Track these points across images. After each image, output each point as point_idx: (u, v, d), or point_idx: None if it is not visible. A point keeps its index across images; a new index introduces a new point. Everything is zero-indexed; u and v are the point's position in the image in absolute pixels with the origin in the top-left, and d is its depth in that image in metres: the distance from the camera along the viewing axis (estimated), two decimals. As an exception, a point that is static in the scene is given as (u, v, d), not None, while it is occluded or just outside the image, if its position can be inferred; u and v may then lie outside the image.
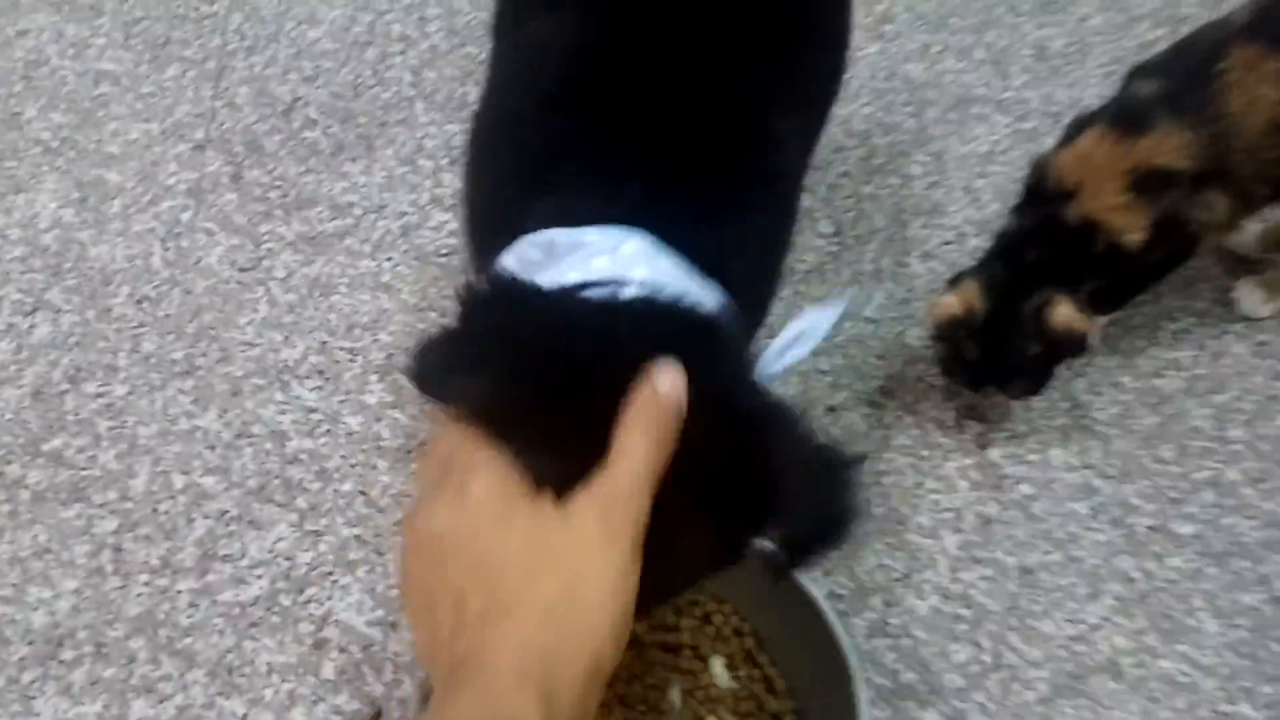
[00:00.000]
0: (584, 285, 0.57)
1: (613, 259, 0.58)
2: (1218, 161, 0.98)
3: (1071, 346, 0.98)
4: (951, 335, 1.02)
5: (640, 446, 0.49)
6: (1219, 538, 1.04)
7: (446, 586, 0.47)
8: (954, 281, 1.01)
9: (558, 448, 0.51)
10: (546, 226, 0.61)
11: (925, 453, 1.08)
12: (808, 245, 1.24)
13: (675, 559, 0.53)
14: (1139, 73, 1.03)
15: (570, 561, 0.46)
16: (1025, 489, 1.06)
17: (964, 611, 0.98)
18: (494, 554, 0.47)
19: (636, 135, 0.66)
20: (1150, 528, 1.05)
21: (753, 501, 0.55)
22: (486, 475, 0.49)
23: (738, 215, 0.70)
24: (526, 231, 0.62)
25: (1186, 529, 1.05)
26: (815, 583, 0.81)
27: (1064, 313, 0.96)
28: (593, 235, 0.60)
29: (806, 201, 1.28)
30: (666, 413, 0.50)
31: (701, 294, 0.62)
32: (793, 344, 0.68)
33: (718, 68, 0.71)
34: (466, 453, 0.50)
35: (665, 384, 0.51)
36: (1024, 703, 0.93)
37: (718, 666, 0.86)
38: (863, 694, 0.77)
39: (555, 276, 0.58)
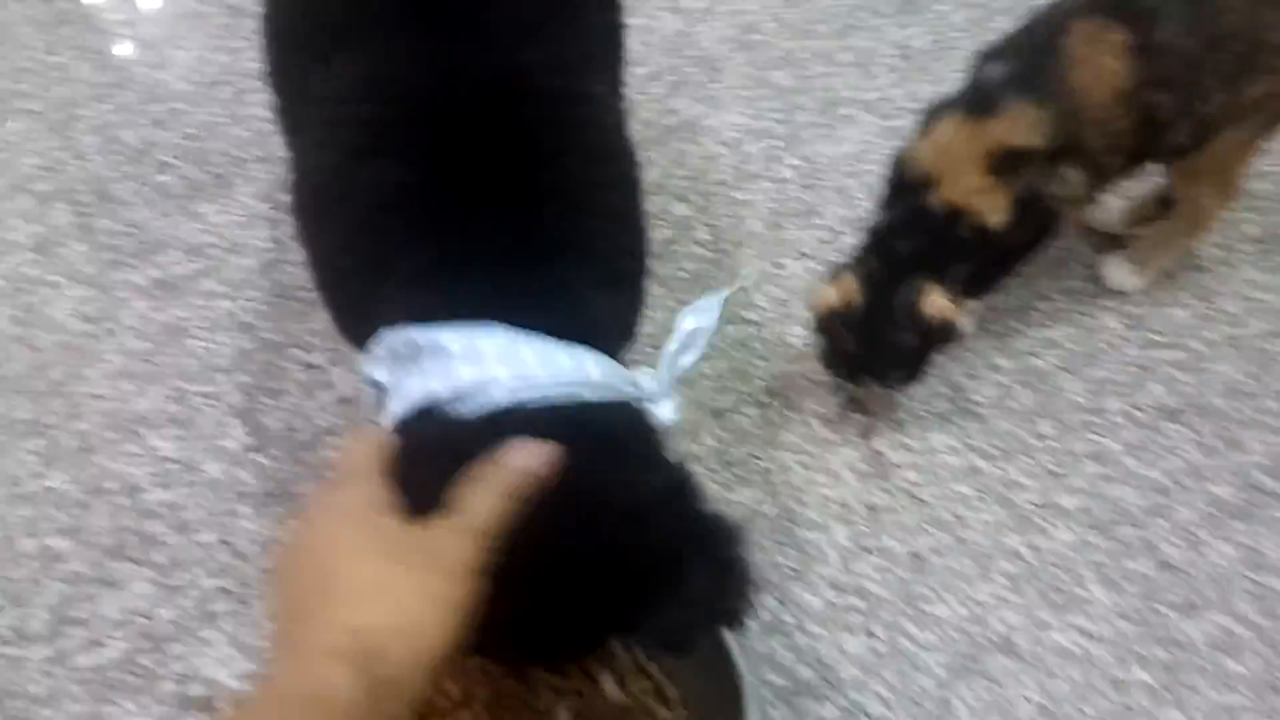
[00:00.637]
0: (453, 399, 0.60)
1: (476, 366, 0.60)
2: (1070, 137, 0.99)
3: (943, 334, 0.98)
4: (830, 327, 1.01)
5: (477, 503, 0.54)
6: (1103, 508, 1.05)
7: (292, 582, 0.51)
8: (833, 275, 1.01)
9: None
10: (404, 320, 0.63)
11: (812, 449, 1.07)
12: (686, 254, 1.23)
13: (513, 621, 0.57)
14: (987, 56, 1.05)
15: (392, 567, 0.50)
16: (911, 475, 1.06)
17: (857, 602, 0.96)
18: (332, 550, 0.51)
19: (459, 189, 0.66)
20: (1035, 504, 1.05)
21: (611, 597, 0.59)
22: (353, 489, 0.54)
23: (585, 254, 0.70)
24: (384, 317, 0.65)
25: (1071, 502, 1.05)
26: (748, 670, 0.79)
27: (934, 301, 0.97)
28: (450, 338, 0.61)
29: (681, 210, 1.27)
30: (508, 479, 0.55)
31: (568, 372, 0.61)
32: (688, 344, 0.70)
33: (511, 73, 0.70)
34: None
35: (514, 456, 0.56)
36: (922, 689, 0.92)
37: (607, 682, 0.84)
38: (752, 703, 0.74)
39: (423, 384, 0.61)
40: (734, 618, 0.65)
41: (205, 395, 1.03)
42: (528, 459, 0.56)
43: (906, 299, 0.98)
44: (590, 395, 0.62)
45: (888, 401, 1.11)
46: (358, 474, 0.56)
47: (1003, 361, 1.16)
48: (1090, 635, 0.96)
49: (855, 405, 1.10)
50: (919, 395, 1.12)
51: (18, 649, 0.85)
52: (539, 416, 0.59)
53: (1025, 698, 0.92)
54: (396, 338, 0.63)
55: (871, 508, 1.03)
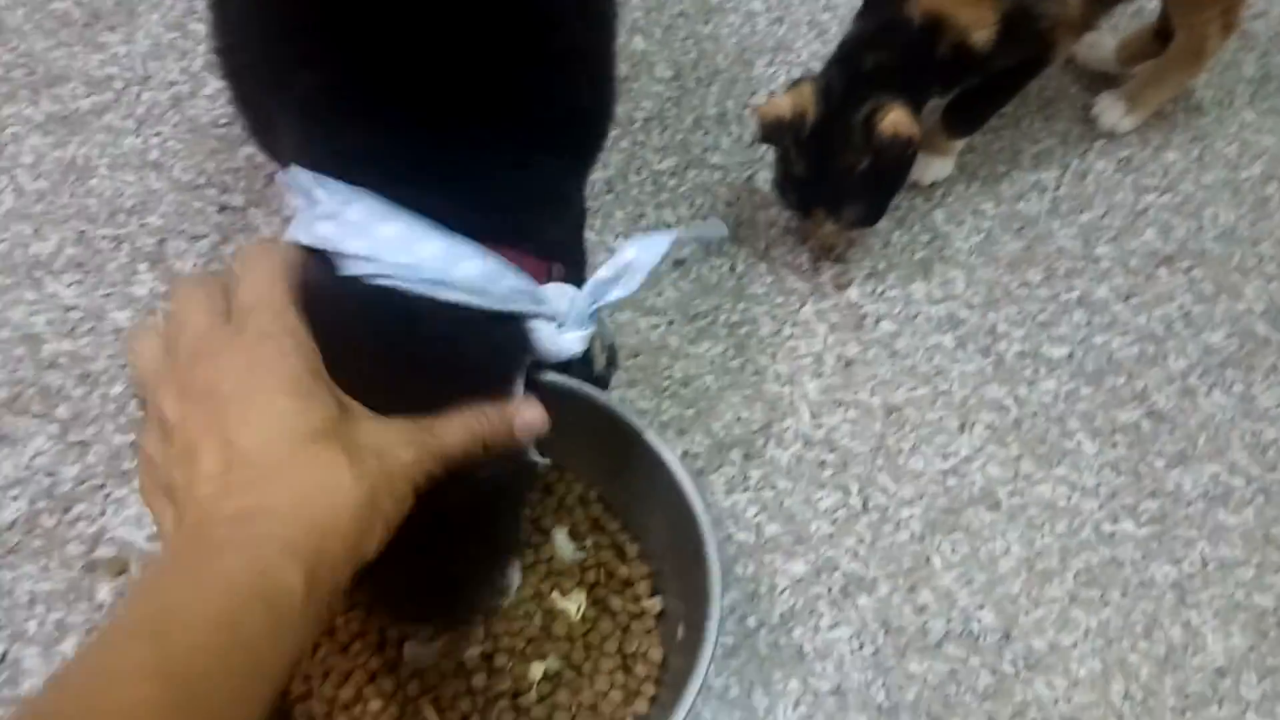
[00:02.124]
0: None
1: (330, 224, 0.53)
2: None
3: (896, 152, 0.88)
4: (778, 140, 0.92)
5: (451, 430, 0.51)
6: (1092, 357, 0.98)
7: (199, 425, 0.44)
8: (790, 86, 0.92)
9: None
10: (293, 145, 0.58)
11: (780, 299, 0.99)
12: (645, 91, 1.13)
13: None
14: None
15: (337, 457, 0.45)
16: (887, 326, 0.98)
17: (829, 457, 0.90)
18: (257, 404, 0.45)
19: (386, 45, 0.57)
20: (1020, 353, 0.98)
21: None
22: (266, 320, 0.48)
23: (524, 111, 0.60)
24: (282, 135, 0.60)
25: (1058, 351, 0.98)
26: (668, 443, 0.71)
27: (893, 118, 0.87)
28: (320, 194, 0.54)
29: (641, 45, 1.17)
30: (494, 428, 0.53)
31: (429, 262, 0.53)
32: (620, 277, 0.61)
33: None
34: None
35: (523, 412, 0.55)
36: (897, 543, 0.86)
37: (560, 538, 0.77)
38: (713, 552, 0.68)
39: (305, 229, 0.54)
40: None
41: (111, 238, 0.93)
42: (530, 419, 0.55)
43: (865, 116, 0.88)
44: (454, 296, 0.54)
45: (862, 249, 1.03)
46: (269, 301, 0.48)
47: (987, 207, 1.08)
48: (1077, 487, 0.91)
49: (823, 252, 1.01)
50: (897, 243, 1.04)
51: (-99, 511, 0.76)
52: (371, 300, 0.53)
53: (1007, 551, 0.86)
54: (294, 176, 0.55)
55: (845, 361, 0.96)
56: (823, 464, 0.89)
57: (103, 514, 0.79)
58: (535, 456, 0.61)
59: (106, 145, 0.98)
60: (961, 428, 0.93)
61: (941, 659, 0.81)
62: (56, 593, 0.75)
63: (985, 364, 0.97)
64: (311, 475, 0.44)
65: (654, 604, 0.74)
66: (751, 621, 0.81)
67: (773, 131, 0.90)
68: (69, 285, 0.89)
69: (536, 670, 0.72)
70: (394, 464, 0.47)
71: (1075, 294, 1.02)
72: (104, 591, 0.75)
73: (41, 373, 0.84)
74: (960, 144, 1.06)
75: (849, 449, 0.90)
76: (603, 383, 0.87)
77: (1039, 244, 1.06)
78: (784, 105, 0.89)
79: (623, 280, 0.62)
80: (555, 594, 0.75)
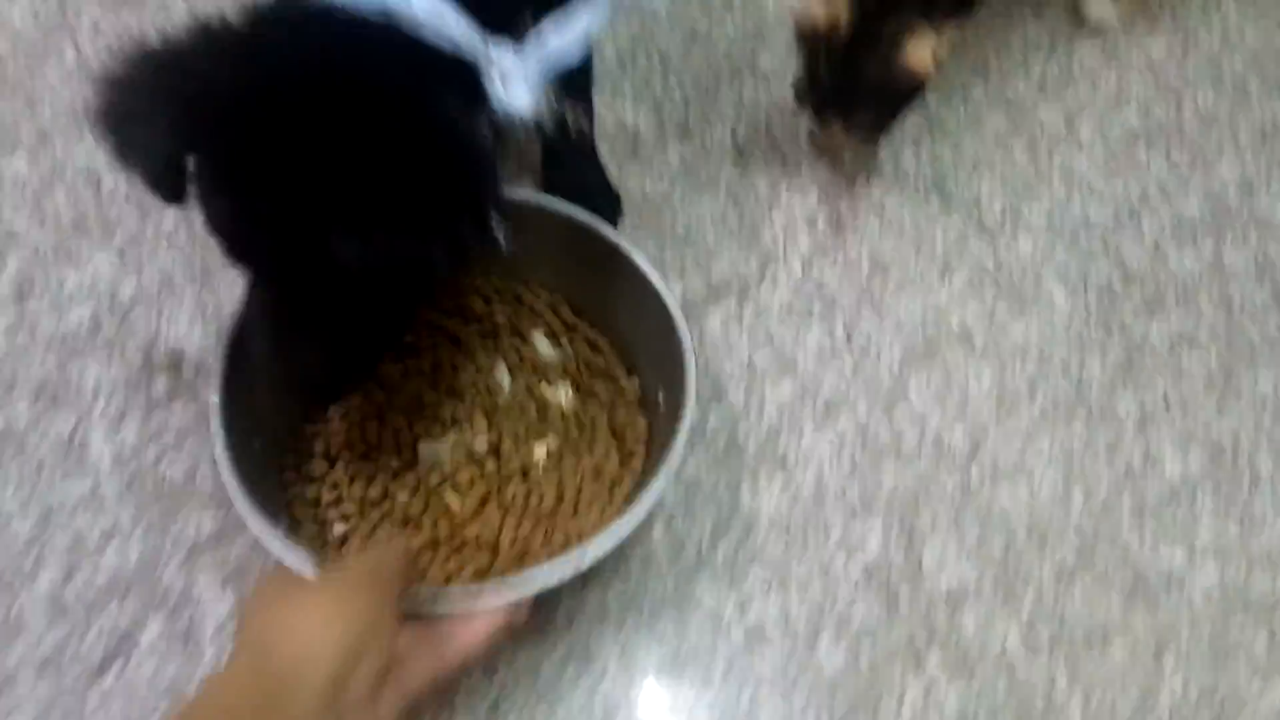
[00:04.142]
0: None
1: None
2: None
3: (912, 82, 0.92)
4: (811, 46, 0.97)
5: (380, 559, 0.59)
6: (1070, 221, 1.05)
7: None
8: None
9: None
10: None
11: (778, 164, 1.06)
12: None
13: None
14: None
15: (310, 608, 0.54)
16: (877, 190, 1.05)
17: (817, 301, 0.97)
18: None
19: None
20: (1001, 216, 1.05)
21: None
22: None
23: None
24: None
25: (1037, 216, 1.06)
26: (669, 288, 0.79)
27: (918, 50, 0.89)
28: None
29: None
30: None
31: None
32: (560, 29, 0.64)
33: None
34: None
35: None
36: (877, 374, 0.93)
37: (538, 338, 0.85)
38: (686, 338, 0.76)
39: None
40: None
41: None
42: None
43: (893, 33, 0.92)
44: (412, 28, 0.58)
45: (866, 164, 1.10)
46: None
47: (977, 88, 1.15)
48: (1048, 333, 0.98)
49: (824, 154, 1.08)
50: (889, 116, 1.11)
51: (-18, 314, 0.86)
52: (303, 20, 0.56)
53: (980, 382, 0.94)
54: None
55: (838, 219, 1.03)
56: (811, 307, 0.97)
57: (156, 323, 0.88)
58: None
59: (156, 13, 1.07)
60: (942, 278, 1.00)
61: (913, 468, 0.88)
62: (117, 385, 0.84)
63: (968, 224, 1.04)
64: None
65: (632, 384, 0.84)
66: (740, 433, 0.89)
67: (806, 36, 0.94)
68: (127, 133, 0.98)
69: (539, 450, 0.80)
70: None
71: (1056, 165, 1.09)
72: (159, 386, 0.84)
73: (102, 204, 0.93)
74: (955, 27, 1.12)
75: (836, 294, 0.98)
76: (585, 141, 0.96)
77: (1023, 121, 1.12)
78: (820, 15, 0.92)
79: (561, 31, 0.65)
80: (544, 385, 0.84)
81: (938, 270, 1.00)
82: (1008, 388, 0.93)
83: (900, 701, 0.78)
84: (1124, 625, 0.83)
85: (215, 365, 0.71)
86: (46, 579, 0.77)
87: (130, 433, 0.82)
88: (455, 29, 0.60)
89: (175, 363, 0.85)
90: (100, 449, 0.82)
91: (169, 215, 0.93)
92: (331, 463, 0.79)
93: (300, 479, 0.78)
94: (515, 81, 0.63)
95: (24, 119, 0.98)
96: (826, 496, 0.86)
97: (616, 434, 0.81)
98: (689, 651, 0.79)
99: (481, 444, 0.80)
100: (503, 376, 0.84)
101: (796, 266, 0.99)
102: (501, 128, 0.64)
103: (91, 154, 0.96)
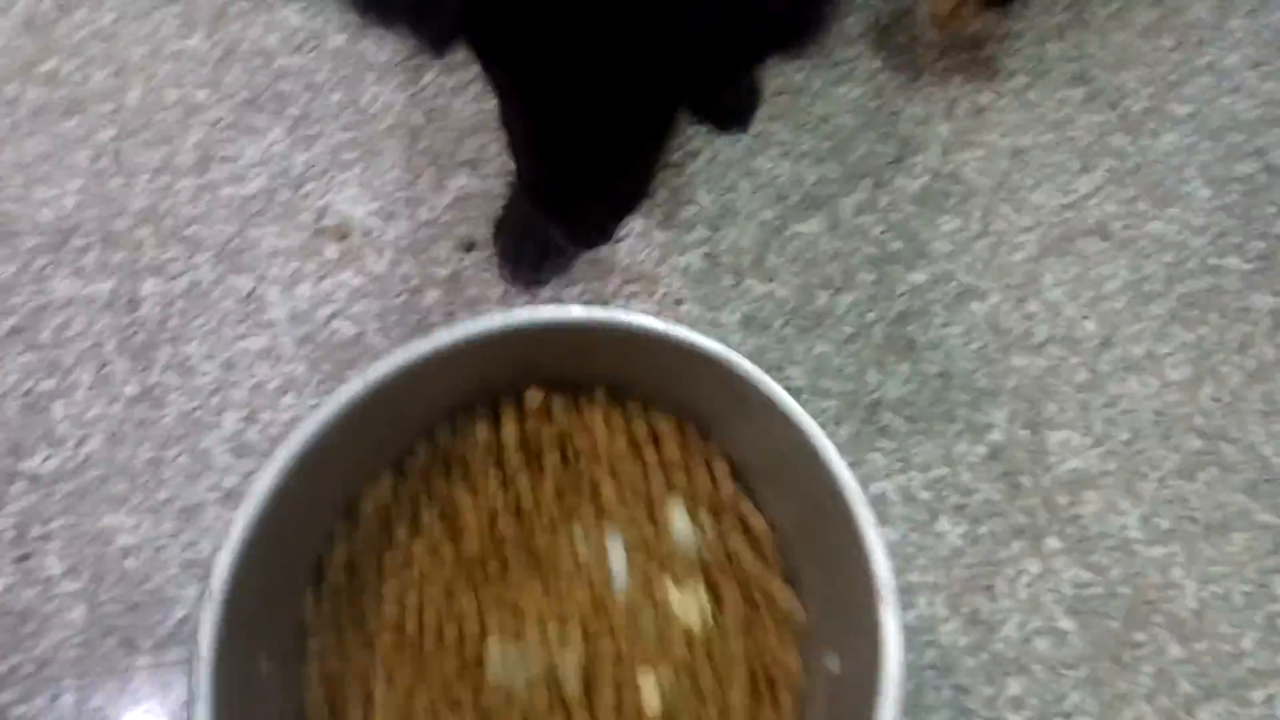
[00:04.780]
0: None
1: None
2: None
3: None
4: None
5: None
6: (1215, 115, 1.03)
7: None
8: None
9: None
10: None
11: (920, 50, 1.06)
12: None
13: None
14: None
15: None
16: (1020, 79, 1.05)
17: (954, 188, 0.98)
18: None
19: None
20: (1145, 109, 1.04)
21: None
22: None
23: None
24: None
25: (1182, 109, 1.04)
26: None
27: None
28: None
29: None
30: None
31: None
32: None
33: None
34: None
35: None
36: (1012, 262, 0.95)
37: (675, 509, 0.61)
38: (884, 570, 0.52)
39: None
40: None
41: (328, -26, 1.06)
42: None
43: None
44: None
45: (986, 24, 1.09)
46: None
47: (1126, -22, 1.12)
48: (1188, 226, 0.97)
49: (958, 25, 1.07)
50: (1036, 4, 1.09)
51: (168, 178, 0.93)
52: None
53: (1115, 276, 0.94)
54: None
55: (976, 106, 1.03)
56: (948, 194, 0.98)
57: (327, 192, 0.94)
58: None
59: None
60: (1082, 169, 1.00)
61: (1043, 356, 0.90)
62: (292, 248, 0.91)
63: (1111, 116, 1.03)
64: None
65: (789, 599, 0.59)
66: (870, 316, 0.92)
67: None
68: (295, 12, 1.04)
69: (649, 690, 0.55)
70: None
71: (1205, 60, 1.07)
72: (331, 250, 0.91)
73: (274, 80, 0.99)
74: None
75: (974, 182, 0.99)
76: (743, 120, 0.96)
77: (1174, 14, 1.10)
78: None
79: None
80: (670, 584, 0.58)
81: (1078, 162, 1.00)
82: (1144, 280, 0.94)
83: (1016, 579, 0.82)
84: (1244, 518, 0.85)
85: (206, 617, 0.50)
86: (231, 420, 0.85)
87: (304, 294, 0.89)
88: None
89: (344, 232, 0.92)
90: (277, 307, 0.89)
91: (337, 94, 0.98)
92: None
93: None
94: None
95: (201, -3, 1.04)
96: (954, 380, 0.89)
97: (761, 677, 0.57)
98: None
99: (571, 667, 0.56)
100: (618, 562, 0.59)
101: (936, 152, 1.00)
102: None
103: (264, 33, 1.01)
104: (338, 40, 1.02)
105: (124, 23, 1.01)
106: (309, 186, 0.94)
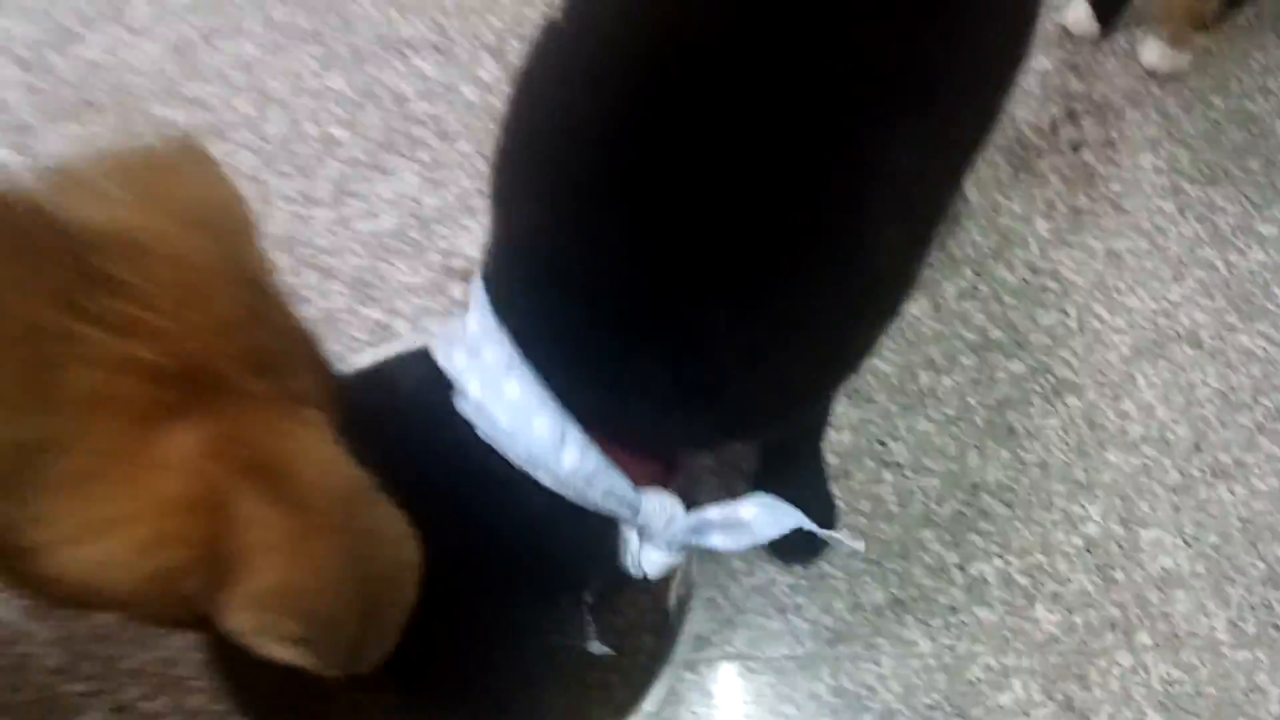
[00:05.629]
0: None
1: (470, 360, 0.52)
2: None
3: None
4: None
5: None
6: (1302, 237, 1.08)
7: None
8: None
9: None
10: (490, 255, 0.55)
11: (1020, 152, 1.11)
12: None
13: None
14: None
15: None
16: (1115, 186, 1.10)
17: (1052, 284, 1.02)
18: None
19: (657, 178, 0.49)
20: (1234, 226, 1.08)
21: None
22: None
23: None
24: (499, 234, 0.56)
25: (1269, 230, 1.08)
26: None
27: None
28: (474, 319, 0.53)
29: None
30: None
31: (534, 446, 0.51)
32: (729, 528, 0.56)
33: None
34: None
35: None
36: (1107, 361, 0.98)
37: None
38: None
39: (445, 349, 0.54)
40: None
41: (463, 31, 1.11)
42: None
43: None
44: (547, 481, 0.51)
45: (1097, 118, 1.14)
46: None
47: (1217, 100, 1.17)
48: (1273, 341, 1.01)
49: (1196, 21, 1.11)
50: (1130, 119, 1.14)
51: (305, 209, 0.96)
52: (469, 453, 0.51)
53: (1205, 383, 0.98)
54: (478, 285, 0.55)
55: (1074, 209, 1.08)
56: (1045, 289, 1.02)
57: (454, 235, 0.97)
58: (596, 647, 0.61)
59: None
60: (1174, 278, 1.04)
61: (1137, 455, 0.93)
62: (420, 285, 0.94)
63: (1201, 230, 1.07)
64: None
65: None
66: (971, 400, 0.94)
67: None
68: (429, 62, 1.08)
69: None
70: None
71: (1292, 184, 1.12)
72: (456, 290, 0.94)
73: (409, 125, 1.03)
74: (1198, 39, 1.16)
75: (1070, 280, 1.03)
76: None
77: (1262, 139, 1.15)
78: None
79: (730, 533, 0.56)
80: None
81: (1170, 270, 1.04)
82: (1232, 390, 0.97)
83: (1108, 670, 0.84)
84: (1326, 628, 0.87)
85: None
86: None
87: (431, 329, 0.92)
88: (603, 487, 0.53)
89: (469, 274, 0.95)
90: (405, 338, 0.92)
91: (467, 142, 1.02)
92: None
93: None
94: (659, 544, 0.56)
95: (340, 38, 1.08)
96: (1051, 472, 0.91)
97: None
98: (911, 597, 0.85)
99: None
100: None
101: (1034, 248, 1.04)
102: (615, 580, 0.58)
103: (400, 79, 1.05)
104: (469, 93, 1.06)
105: (266, 55, 1.06)
106: (437, 228, 0.98)
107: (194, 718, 0.76)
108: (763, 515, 0.56)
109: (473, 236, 0.97)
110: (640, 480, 0.54)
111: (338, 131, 1.02)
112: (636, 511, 0.54)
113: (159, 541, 0.37)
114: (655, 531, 0.55)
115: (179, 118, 1.00)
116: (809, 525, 0.57)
